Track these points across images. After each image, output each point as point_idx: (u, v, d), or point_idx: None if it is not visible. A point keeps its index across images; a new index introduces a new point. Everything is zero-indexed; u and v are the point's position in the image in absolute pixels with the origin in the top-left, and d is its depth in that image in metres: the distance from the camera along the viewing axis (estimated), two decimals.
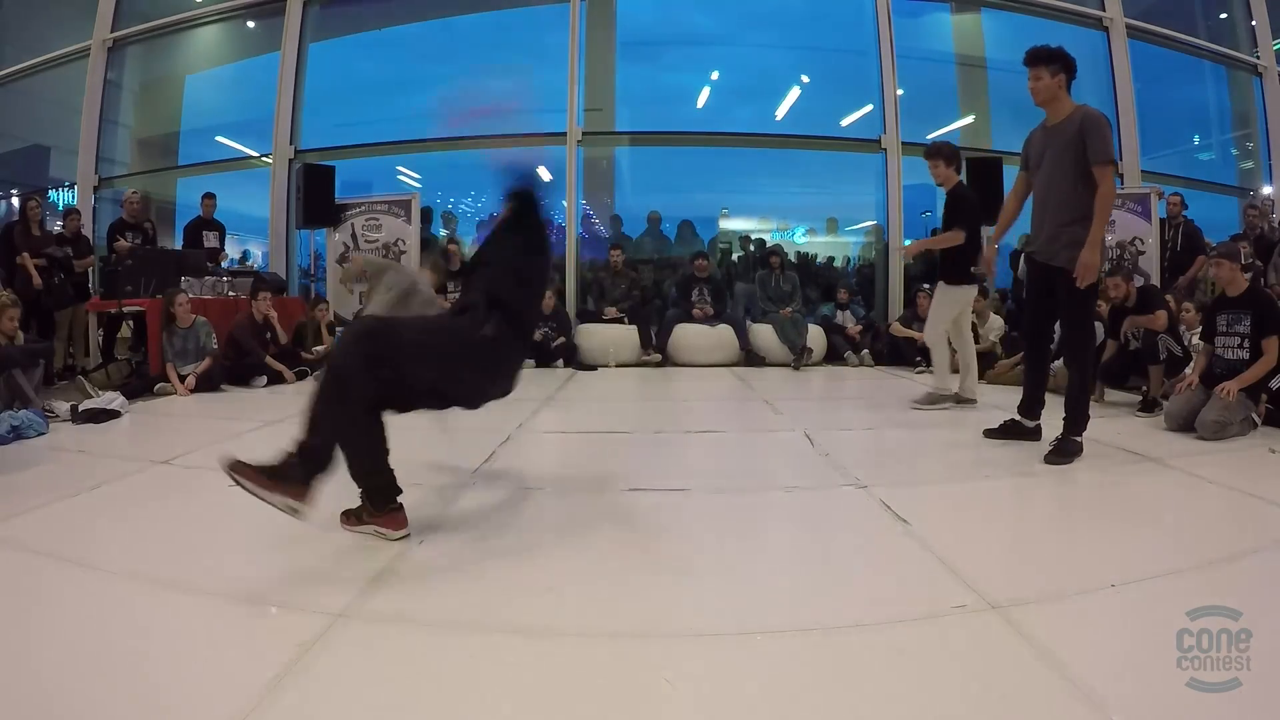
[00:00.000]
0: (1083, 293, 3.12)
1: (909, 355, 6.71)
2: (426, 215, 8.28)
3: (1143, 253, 7.24)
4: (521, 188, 2.37)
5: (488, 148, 9.21)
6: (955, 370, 4.75)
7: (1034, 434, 3.46)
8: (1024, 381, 3.61)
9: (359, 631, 1.60)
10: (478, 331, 2.12)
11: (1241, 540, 2.24)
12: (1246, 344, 3.73)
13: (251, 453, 1.98)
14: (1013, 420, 3.54)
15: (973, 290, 4.71)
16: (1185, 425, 3.69)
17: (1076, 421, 3.16)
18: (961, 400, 4.62)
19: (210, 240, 7.24)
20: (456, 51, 9.88)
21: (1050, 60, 3.15)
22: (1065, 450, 3.12)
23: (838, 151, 9.17)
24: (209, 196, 7.45)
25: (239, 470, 1.90)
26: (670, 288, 7.91)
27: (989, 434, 3.59)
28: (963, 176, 4.82)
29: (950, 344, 4.77)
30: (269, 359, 5.66)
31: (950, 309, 4.62)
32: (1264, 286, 3.53)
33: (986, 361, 5.98)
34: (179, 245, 7.50)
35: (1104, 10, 8.87)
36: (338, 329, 7.12)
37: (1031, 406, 3.49)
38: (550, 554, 2.06)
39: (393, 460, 2.13)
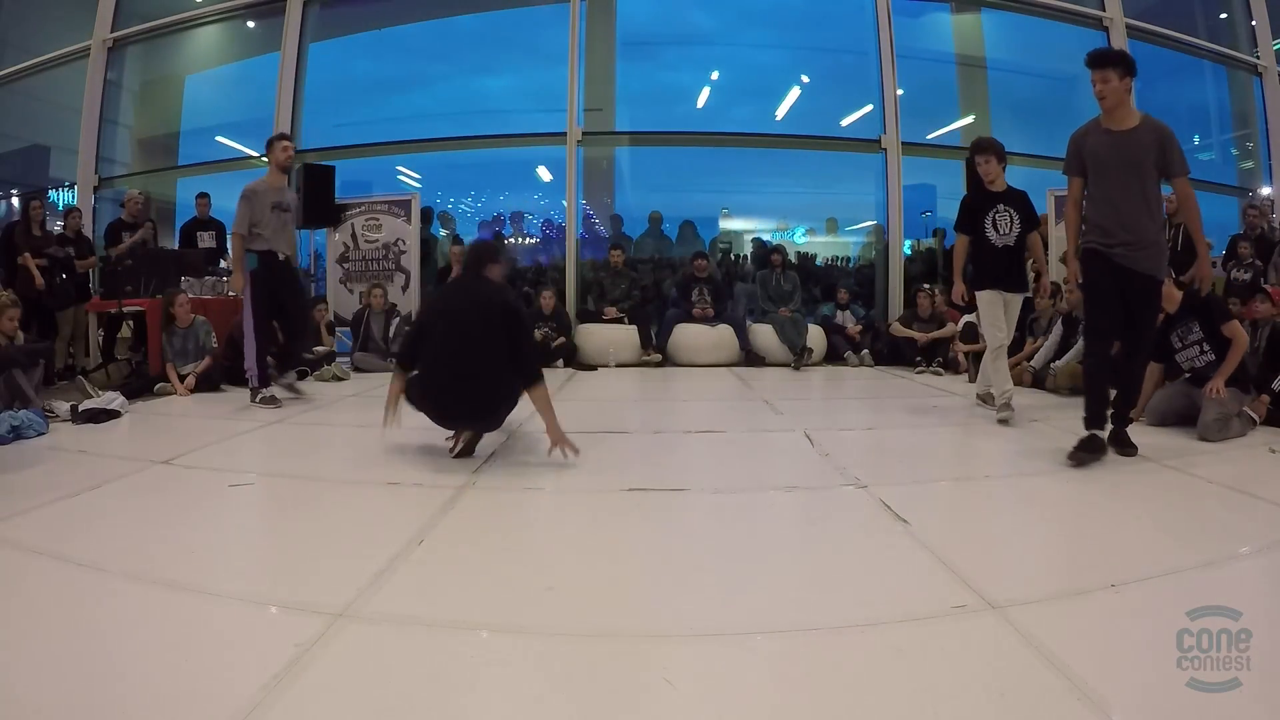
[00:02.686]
0: (1158, 298, 3.28)
1: (909, 355, 6.71)
2: (426, 215, 8.27)
3: None
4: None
5: (488, 148, 9.25)
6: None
7: (1103, 447, 3.11)
8: (1088, 389, 3.23)
9: (359, 631, 1.60)
10: None
11: (1241, 540, 2.24)
12: (1208, 346, 3.78)
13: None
14: (1091, 435, 3.11)
15: None
16: (1164, 420, 3.83)
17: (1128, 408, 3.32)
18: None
19: (205, 240, 7.20)
20: (456, 51, 9.90)
21: (1119, 63, 3.08)
22: (1124, 441, 3.22)
23: (838, 151, 9.17)
24: (202, 196, 7.44)
25: None
26: (670, 288, 7.90)
27: (1073, 459, 3.06)
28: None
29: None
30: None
31: None
32: (1195, 291, 3.64)
33: None
34: (176, 246, 7.49)
35: (1104, 10, 8.86)
36: (338, 329, 7.13)
37: (1099, 417, 3.15)
38: (550, 554, 2.06)
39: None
